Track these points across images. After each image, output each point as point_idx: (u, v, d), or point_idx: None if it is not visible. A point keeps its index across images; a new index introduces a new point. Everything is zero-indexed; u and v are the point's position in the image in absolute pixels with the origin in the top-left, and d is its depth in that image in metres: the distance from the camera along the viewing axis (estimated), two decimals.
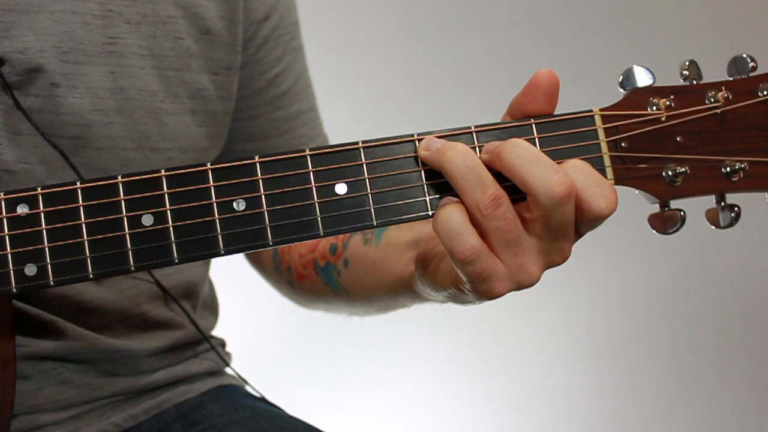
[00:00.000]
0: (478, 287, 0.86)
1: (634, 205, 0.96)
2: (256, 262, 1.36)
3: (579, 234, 0.88)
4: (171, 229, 0.86)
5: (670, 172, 0.90)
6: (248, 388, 1.30)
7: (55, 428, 1.10)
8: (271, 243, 0.86)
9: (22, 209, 0.86)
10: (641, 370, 2.60)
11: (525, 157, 0.84)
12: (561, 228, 0.85)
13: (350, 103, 2.34)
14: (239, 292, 1.88)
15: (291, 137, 1.30)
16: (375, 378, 2.59)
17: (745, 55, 0.92)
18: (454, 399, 2.61)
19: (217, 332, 1.34)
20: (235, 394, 1.25)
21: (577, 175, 0.85)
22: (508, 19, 2.52)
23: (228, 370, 1.30)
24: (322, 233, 0.87)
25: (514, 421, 2.61)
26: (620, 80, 0.91)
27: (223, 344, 1.33)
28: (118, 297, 1.14)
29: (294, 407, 1.28)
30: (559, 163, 0.85)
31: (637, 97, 0.90)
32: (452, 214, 0.84)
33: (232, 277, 1.58)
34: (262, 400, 1.27)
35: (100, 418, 1.13)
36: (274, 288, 1.35)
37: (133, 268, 0.86)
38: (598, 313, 2.59)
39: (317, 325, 2.18)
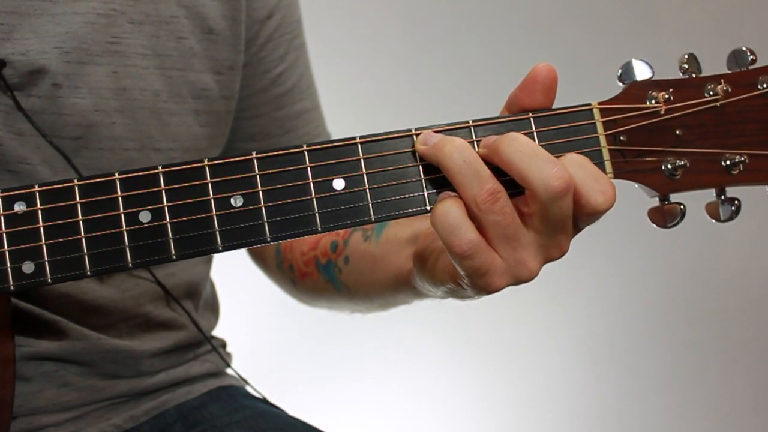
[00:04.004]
0: (477, 282, 0.86)
1: (635, 205, 0.95)
2: (260, 260, 1.36)
3: (577, 228, 0.88)
4: (168, 225, 0.86)
5: (669, 166, 0.89)
6: (249, 389, 1.30)
7: (55, 429, 1.09)
8: (269, 239, 0.86)
9: (19, 207, 0.86)
10: (641, 370, 2.60)
11: (523, 151, 0.84)
12: (559, 222, 0.85)
13: (350, 101, 2.34)
14: (240, 292, 1.88)
15: (294, 136, 1.30)
16: (376, 378, 2.59)
17: (744, 48, 0.91)
18: (454, 399, 2.61)
19: (217, 332, 1.33)
20: (236, 394, 1.25)
21: (576, 169, 0.85)
22: (507, 14, 2.52)
23: (229, 370, 1.30)
24: (319, 229, 0.87)
25: (514, 420, 2.61)
26: (619, 74, 0.91)
27: (223, 345, 1.33)
28: (121, 297, 1.14)
29: (295, 408, 1.28)
30: (557, 157, 0.85)
31: (635, 90, 0.90)
32: (450, 209, 0.84)
33: (232, 277, 1.58)
34: (263, 400, 1.27)
35: (101, 420, 1.13)
36: (278, 286, 1.35)
37: (130, 264, 0.86)
38: (598, 313, 2.59)
39: (318, 326, 2.19)
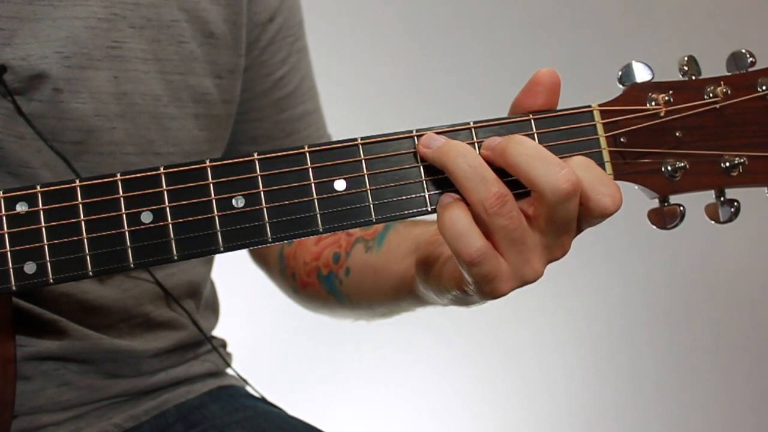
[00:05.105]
0: (483, 288, 0.86)
1: (635, 205, 0.95)
2: (263, 263, 1.36)
3: (579, 229, 0.88)
4: (170, 226, 0.86)
5: (669, 167, 0.89)
6: (249, 389, 1.30)
7: (55, 429, 1.10)
8: (270, 240, 0.86)
9: (21, 207, 0.86)
10: (641, 370, 2.60)
11: (529, 154, 0.84)
12: (564, 224, 0.85)
13: (350, 102, 2.34)
14: (239, 292, 1.88)
15: (296, 138, 1.30)
16: (375, 378, 2.59)
17: (744, 51, 0.92)
18: (454, 399, 2.61)
19: (217, 332, 1.34)
20: (236, 394, 1.25)
21: (583, 172, 0.85)
22: (507, 14, 2.52)
23: (229, 370, 1.30)
24: (321, 230, 0.87)
25: (514, 420, 2.61)
26: (619, 76, 0.91)
27: (223, 345, 1.33)
28: (122, 297, 1.14)
29: (294, 407, 1.28)
30: (562, 159, 0.85)
31: (635, 92, 0.90)
32: (458, 216, 0.84)
33: (232, 277, 1.58)
34: (263, 400, 1.27)
35: (101, 419, 1.13)
36: (280, 290, 1.35)
37: (132, 265, 0.86)
38: (598, 313, 2.59)
39: (318, 326, 2.17)
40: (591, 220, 0.87)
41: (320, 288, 1.22)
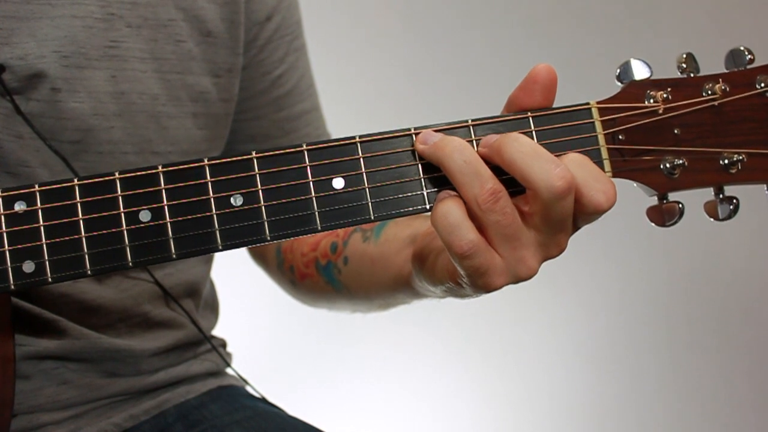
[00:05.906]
0: (476, 281, 0.86)
1: (634, 203, 0.95)
2: (261, 260, 1.36)
3: (576, 227, 0.88)
4: (168, 224, 0.86)
5: (668, 165, 0.90)
6: (249, 389, 1.30)
7: (54, 428, 1.09)
8: (268, 238, 0.87)
9: (19, 206, 0.86)
10: (641, 370, 2.60)
11: (525, 151, 0.84)
12: (560, 221, 0.85)
13: (350, 101, 2.34)
14: (239, 292, 1.88)
15: (295, 137, 1.30)
16: (375, 378, 2.59)
17: (742, 48, 0.92)
18: (454, 399, 2.61)
19: (217, 332, 1.33)
20: (236, 394, 1.25)
21: (577, 169, 0.85)
22: (507, 14, 2.52)
23: (228, 370, 1.30)
24: (319, 227, 0.87)
25: (514, 420, 2.61)
26: (617, 73, 0.91)
27: (223, 344, 1.33)
28: (120, 296, 1.14)
29: (295, 408, 1.28)
30: (558, 156, 0.85)
31: (634, 89, 0.90)
32: (450, 209, 0.84)
33: (232, 277, 1.58)
34: (263, 400, 1.27)
35: (100, 418, 1.13)
36: (279, 286, 1.35)
37: (130, 264, 0.86)
38: (599, 313, 2.59)
39: (318, 325, 2.19)
40: (585, 217, 0.87)
41: (319, 279, 1.22)
